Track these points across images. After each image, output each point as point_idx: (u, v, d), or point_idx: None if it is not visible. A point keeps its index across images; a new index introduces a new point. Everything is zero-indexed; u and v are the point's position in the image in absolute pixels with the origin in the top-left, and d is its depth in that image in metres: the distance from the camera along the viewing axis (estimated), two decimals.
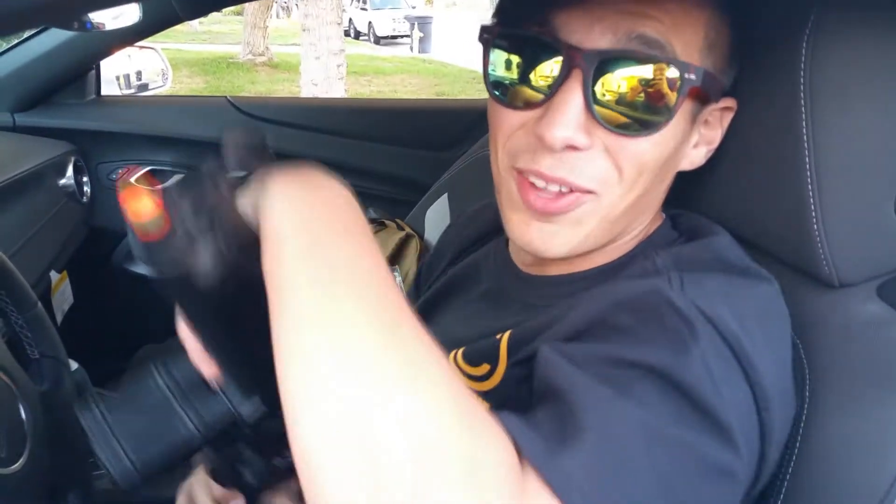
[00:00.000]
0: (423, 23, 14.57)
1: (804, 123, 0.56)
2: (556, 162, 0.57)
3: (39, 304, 0.86)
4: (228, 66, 10.33)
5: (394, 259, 1.70)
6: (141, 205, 0.42)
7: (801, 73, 0.56)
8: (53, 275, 1.53)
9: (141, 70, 2.27)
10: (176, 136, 1.89)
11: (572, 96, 0.54)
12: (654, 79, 0.54)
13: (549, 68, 0.56)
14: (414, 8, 17.82)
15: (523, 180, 0.60)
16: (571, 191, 0.58)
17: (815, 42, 0.55)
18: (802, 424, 0.57)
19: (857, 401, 0.55)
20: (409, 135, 1.98)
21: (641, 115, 0.55)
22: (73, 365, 1.05)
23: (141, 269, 1.73)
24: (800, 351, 0.60)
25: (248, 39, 10.69)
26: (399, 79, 10.67)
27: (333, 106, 2.34)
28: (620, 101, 0.55)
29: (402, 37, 16.26)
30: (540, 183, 0.59)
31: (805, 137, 0.56)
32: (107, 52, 1.75)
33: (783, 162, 0.59)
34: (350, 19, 17.44)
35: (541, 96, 0.57)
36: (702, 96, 0.58)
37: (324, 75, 6.89)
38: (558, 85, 0.55)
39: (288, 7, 21.05)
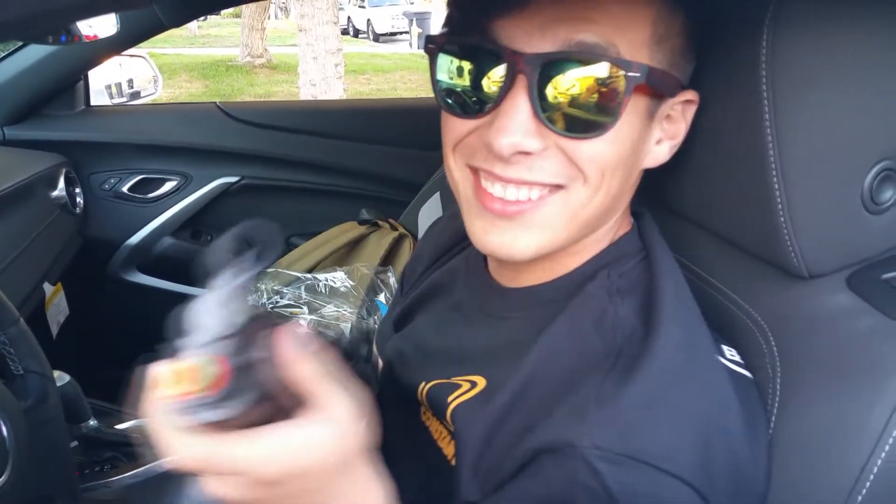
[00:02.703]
0: (421, 19, 14.53)
1: (767, 116, 0.56)
2: (510, 165, 0.57)
3: (21, 320, 0.86)
4: (227, 69, 10.34)
5: (387, 259, 1.70)
6: (211, 376, 0.39)
7: (763, 65, 0.55)
8: (47, 287, 1.53)
9: (132, 78, 2.28)
10: (167, 143, 1.90)
11: (518, 102, 0.54)
12: (597, 79, 0.54)
13: (495, 75, 0.56)
14: (412, 4, 17.79)
15: (479, 185, 0.60)
16: (529, 199, 0.58)
17: (776, 35, 0.54)
18: (773, 419, 0.57)
19: (826, 393, 0.55)
20: (400, 134, 1.97)
21: (589, 116, 0.55)
22: (65, 377, 1.06)
23: (137, 278, 1.72)
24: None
25: (246, 42, 10.71)
26: (399, 76, 10.65)
27: (324, 108, 2.34)
28: (567, 103, 0.54)
29: (400, 33, 16.25)
30: (497, 190, 0.58)
31: (768, 130, 0.56)
32: (94, 62, 1.75)
33: (748, 155, 0.59)
34: (349, 17, 17.45)
35: (489, 104, 0.57)
36: (654, 93, 0.57)
37: (322, 75, 6.89)
38: (505, 91, 0.55)
39: (286, 8, 21.07)
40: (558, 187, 0.58)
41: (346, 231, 1.80)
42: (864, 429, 0.51)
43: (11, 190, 1.45)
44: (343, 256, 1.78)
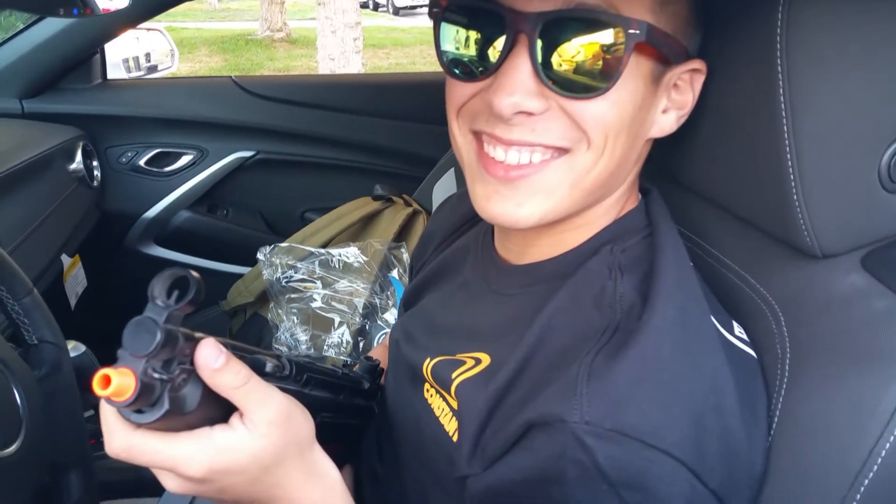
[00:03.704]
0: None
1: (781, 90, 0.54)
2: (513, 126, 0.56)
3: (35, 290, 0.86)
4: (247, 44, 10.34)
5: (401, 235, 1.70)
6: (119, 386, 0.42)
7: (778, 38, 0.54)
8: (65, 259, 1.55)
9: (149, 52, 2.28)
10: (182, 117, 1.90)
11: (519, 62, 0.54)
12: (597, 38, 0.53)
13: (496, 36, 0.55)
14: None
15: (482, 150, 0.60)
16: (531, 163, 0.57)
17: (792, 6, 0.53)
18: (781, 400, 0.56)
19: (836, 375, 0.54)
20: (414, 109, 1.96)
21: (591, 75, 0.54)
22: (81, 347, 1.07)
23: (154, 251, 1.74)
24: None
25: (265, 15, 10.67)
26: (418, 50, 10.57)
27: (339, 82, 2.33)
28: (568, 63, 0.54)
29: (421, 6, 16.09)
30: (499, 154, 0.58)
31: (782, 105, 0.54)
32: (110, 36, 1.75)
33: (761, 130, 0.57)
34: None
35: (490, 64, 0.56)
36: (658, 56, 0.56)
37: (340, 49, 6.85)
38: (506, 52, 0.55)
39: None
40: (562, 151, 0.57)
41: (360, 207, 1.80)
42: (873, 412, 0.50)
43: (30, 162, 1.46)
44: (357, 232, 1.78)
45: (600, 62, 0.54)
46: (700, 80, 0.61)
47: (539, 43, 0.53)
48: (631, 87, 0.56)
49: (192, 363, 0.46)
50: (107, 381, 0.42)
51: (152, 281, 0.44)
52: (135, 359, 0.42)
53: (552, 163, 0.58)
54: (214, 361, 0.46)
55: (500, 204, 0.59)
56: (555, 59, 0.54)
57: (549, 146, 0.57)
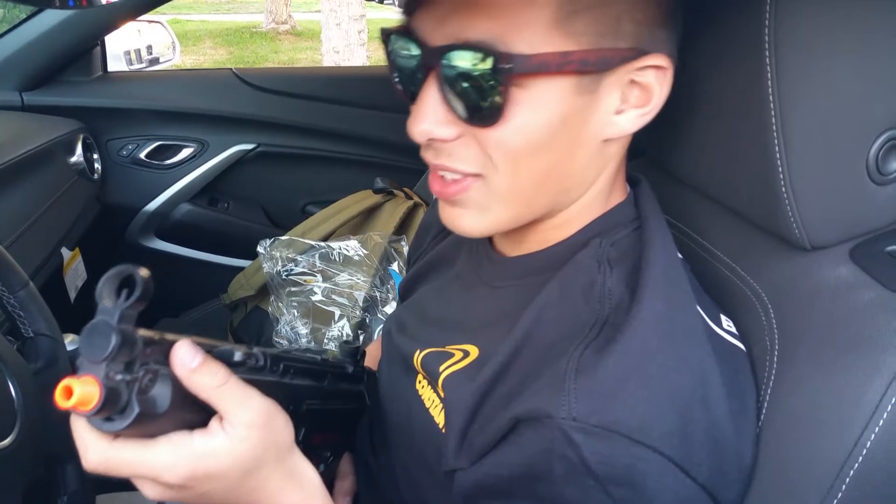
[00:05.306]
0: None
1: (769, 81, 0.54)
2: (436, 152, 0.59)
3: (31, 283, 0.87)
4: (252, 36, 10.31)
5: (401, 228, 1.70)
6: (83, 395, 0.41)
7: (766, 28, 0.53)
8: (65, 252, 1.56)
9: (151, 44, 2.28)
10: (183, 110, 1.90)
11: (429, 91, 0.56)
12: (477, 73, 0.53)
13: (415, 66, 0.58)
14: None
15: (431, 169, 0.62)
16: (463, 177, 0.59)
17: (779, 1, 0.53)
18: (769, 392, 0.56)
19: (823, 366, 0.54)
20: None
21: (482, 105, 0.54)
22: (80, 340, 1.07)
23: (155, 244, 1.74)
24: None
25: (270, 8, 10.64)
26: None
27: (340, 75, 2.32)
28: (464, 93, 0.55)
29: None
30: (439, 172, 0.61)
31: (770, 96, 0.54)
32: (110, 28, 1.74)
33: (750, 123, 0.57)
34: None
35: (414, 93, 0.59)
36: (578, 70, 0.53)
37: (345, 42, 6.83)
38: (420, 81, 0.57)
39: None
40: (477, 176, 0.59)
41: (360, 200, 1.80)
42: (859, 402, 0.50)
43: (30, 155, 1.46)
44: (358, 225, 1.78)
45: (488, 95, 0.54)
46: (665, 75, 0.57)
47: (444, 74, 0.55)
48: (540, 109, 0.54)
49: (156, 363, 0.45)
50: (69, 391, 0.41)
51: (99, 283, 0.43)
52: (95, 365, 0.41)
53: (473, 184, 0.59)
54: (191, 361, 0.45)
55: (447, 214, 0.63)
56: (457, 89, 0.55)
57: (464, 172, 0.59)
